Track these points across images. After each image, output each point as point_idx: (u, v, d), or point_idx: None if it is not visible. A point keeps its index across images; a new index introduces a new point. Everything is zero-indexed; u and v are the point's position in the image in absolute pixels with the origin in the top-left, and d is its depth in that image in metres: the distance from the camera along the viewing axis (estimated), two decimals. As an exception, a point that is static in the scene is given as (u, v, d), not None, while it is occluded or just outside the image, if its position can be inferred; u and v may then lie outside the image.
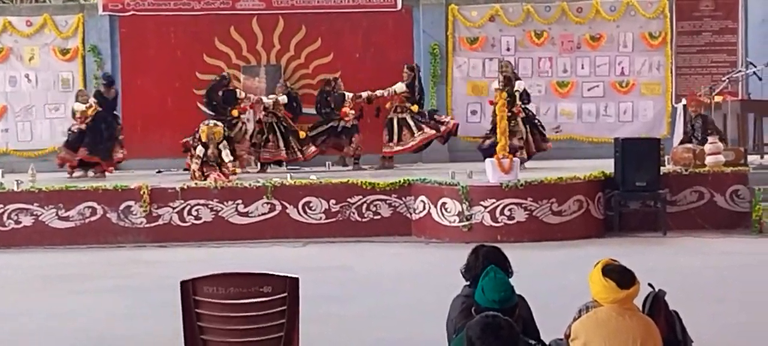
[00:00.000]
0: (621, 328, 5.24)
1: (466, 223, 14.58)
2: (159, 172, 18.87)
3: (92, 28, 20.38)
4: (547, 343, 5.81)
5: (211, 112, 18.27)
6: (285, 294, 5.77)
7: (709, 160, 15.40)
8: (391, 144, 18.60)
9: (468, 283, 6.07)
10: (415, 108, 18.59)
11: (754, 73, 17.55)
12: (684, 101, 18.50)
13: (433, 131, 18.56)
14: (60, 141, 19.75)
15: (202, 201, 15.38)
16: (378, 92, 18.71)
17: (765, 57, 17.87)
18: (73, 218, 15.34)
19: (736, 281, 11.37)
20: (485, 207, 14.56)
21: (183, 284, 5.78)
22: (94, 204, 15.36)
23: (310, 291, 7.61)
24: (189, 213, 15.35)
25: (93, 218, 15.34)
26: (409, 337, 8.90)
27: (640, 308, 5.65)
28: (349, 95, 18.74)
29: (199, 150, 16.48)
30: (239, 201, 15.38)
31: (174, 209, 15.35)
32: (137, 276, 12.62)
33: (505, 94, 15.67)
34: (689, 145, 16.02)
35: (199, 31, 20.37)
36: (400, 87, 18.54)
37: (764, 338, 8.77)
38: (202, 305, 5.76)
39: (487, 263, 5.68)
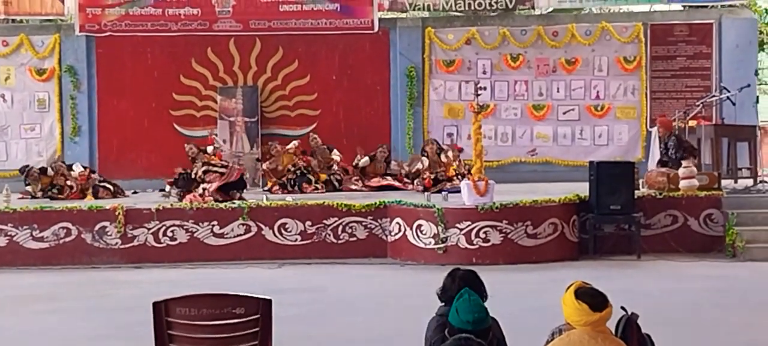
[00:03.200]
0: (593, 351, 5.24)
1: (442, 245, 14.60)
2: (135, 192, 18.78)
3: (69, 49, 20.33)
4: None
5: None
6: (258, 316, 5.76)
7: (683, 184, 15.48)
8: None
9: (443, 303, 6.08)
10: None
11: (728, 98, 17.66)
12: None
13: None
14: (35, 161, 19.63)
15: (177, 222, 15.34)
16: None
17: (739, 82, 17.99)
18: (48, 238, 15.26)
19: (709, 305, 11.42)
20: (460, 229, 14.59)
21: (155, 305, 5.77)
22: (69, 225, 15.29)
23: (284, 313, 7.61)
24: (164, 234, 15.30)
25: (68, 239, 15.27)
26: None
27: (613, 332, 5.66)
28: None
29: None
30: (215, 222, 15.34)
31: (149, 229, 15.30)
32: (111, 297, 12.57)
33: (481, 117, 15.67)
34: (663, 169, 16.10)
35: (176, 52, 20.36)
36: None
37: (737, 362, 8.82)
38: (175, 326, 5.74)
39: (462, 286, 5.69)
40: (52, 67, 20.35)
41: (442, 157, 18.31)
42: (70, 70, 20.24)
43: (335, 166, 18.84)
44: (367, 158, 18.95)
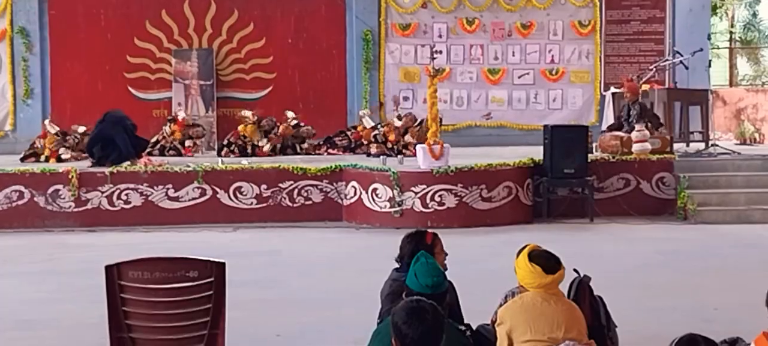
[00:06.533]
0: (545, 312, 5.31)
1: (397, 208, 14.64)
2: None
3: (20, 10, 20.05)
4: (473, 328, 5.86)
5: None
6: (211, 279, 5.75)
7: (635, 147, 15.62)
8: None
9: (397, 267, 6.11)
10: None
11: (681, 62, 17.78)
12: (613, 89, 18.71)
13: None
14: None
15: (131, 185, 15.24)
16: None
17: (692, 46, 18.09)
18: (0, 202, 15.11)
19: (660, 267, 11.56)
20: (416, 193, 14.63)
21: (108, 268, 5.73)
22: (22, 188, 15.14)
23: (238, 276, 7.61)
24: (118, 197, 15.20)
25: (20, 202, 15.13)
26: (335, 321, 8.90)
27: (566, 294, 5.73)
28: None
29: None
30: (169, 186, 15.26)
31: (103, 193, 15.19)
32: (64, 260, 12.49)
33: (436, 80, 15.66)
34: (617, 133, 16.21)
35: (130, 14, 20.16)
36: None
37: (687, 323, 8.90)
38: (128, 290, 5.72)
39: (418, 249, 5.72)
40: (4, 28, 20.07)
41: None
42: (22, 31, 19.98)
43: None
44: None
